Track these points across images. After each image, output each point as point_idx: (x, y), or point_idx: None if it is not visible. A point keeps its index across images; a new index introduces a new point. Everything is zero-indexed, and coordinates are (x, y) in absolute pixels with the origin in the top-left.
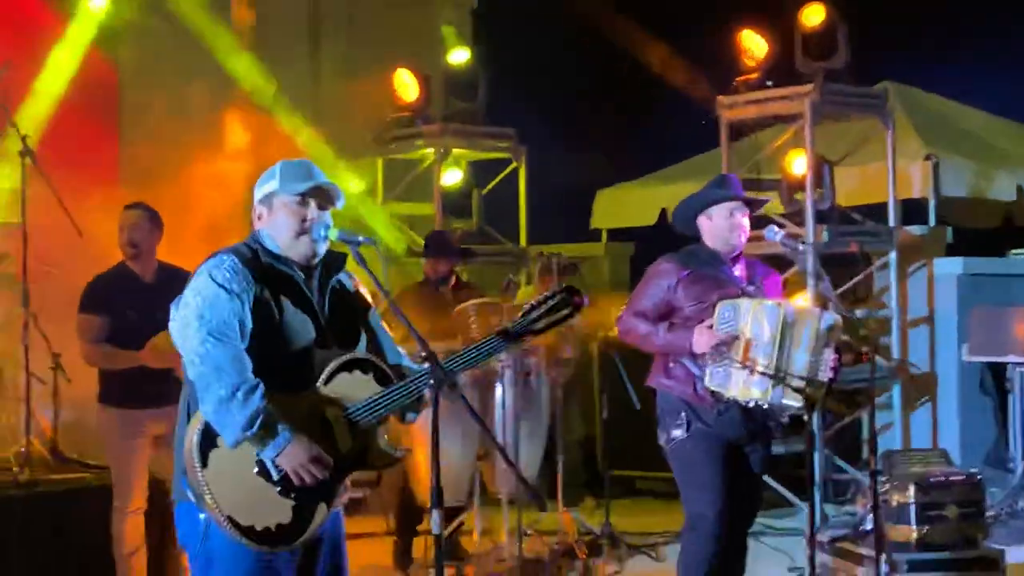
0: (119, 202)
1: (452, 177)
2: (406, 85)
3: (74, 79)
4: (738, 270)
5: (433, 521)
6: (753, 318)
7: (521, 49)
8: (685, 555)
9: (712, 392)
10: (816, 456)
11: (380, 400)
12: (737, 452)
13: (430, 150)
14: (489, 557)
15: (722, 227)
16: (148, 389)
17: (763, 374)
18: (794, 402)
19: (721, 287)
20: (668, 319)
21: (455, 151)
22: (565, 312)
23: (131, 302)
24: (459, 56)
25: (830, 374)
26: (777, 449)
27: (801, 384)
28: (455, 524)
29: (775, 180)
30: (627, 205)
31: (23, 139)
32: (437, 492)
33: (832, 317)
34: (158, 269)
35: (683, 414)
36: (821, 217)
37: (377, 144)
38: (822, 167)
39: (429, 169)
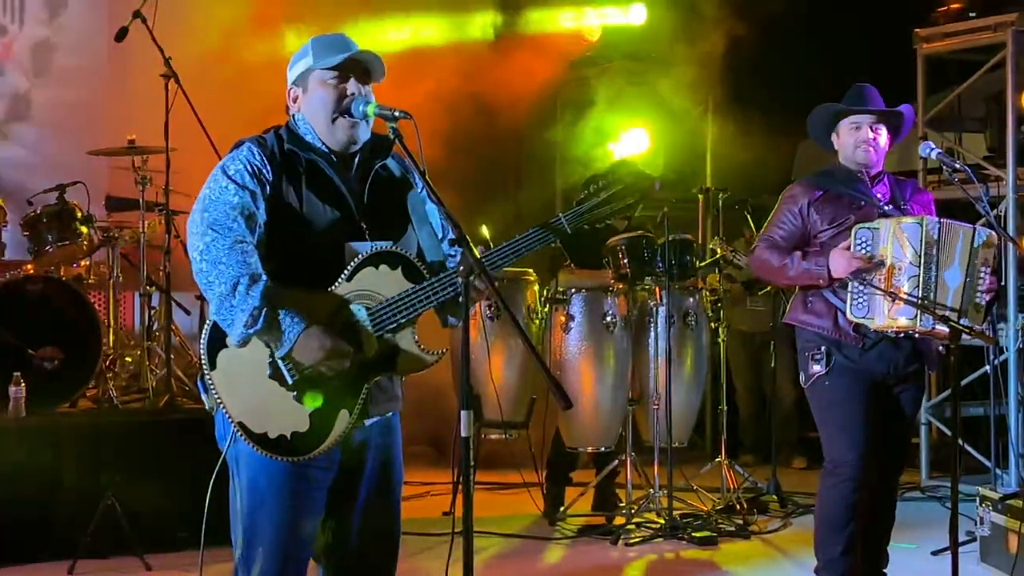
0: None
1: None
2: (588, 27)
3: None
4: (880, 191)
5: (461, 422)
6: (893, 239)
7: None
8: (823, 504)
9: (856, 326)
10: (1014, 417)
11: (404, 299)
12: (885, 392)
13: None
14: (640, 509)
15: (847, 143)
16: None
17: (907, 301)
18: (947, 329)
19: (858, 208)
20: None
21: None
22: (631, 200)
23: None
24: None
25: (987, 297)
26: (975, 411)
27: (951, 311)
28: (605, 471)
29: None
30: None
31: (167, 60)
32: (465, 393)
33: (986, 232)
34: None
35: (823, 348)
36: None
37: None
38: None
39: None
